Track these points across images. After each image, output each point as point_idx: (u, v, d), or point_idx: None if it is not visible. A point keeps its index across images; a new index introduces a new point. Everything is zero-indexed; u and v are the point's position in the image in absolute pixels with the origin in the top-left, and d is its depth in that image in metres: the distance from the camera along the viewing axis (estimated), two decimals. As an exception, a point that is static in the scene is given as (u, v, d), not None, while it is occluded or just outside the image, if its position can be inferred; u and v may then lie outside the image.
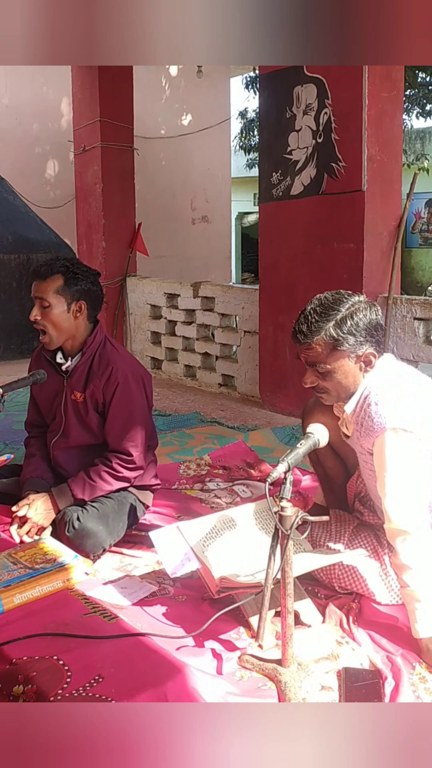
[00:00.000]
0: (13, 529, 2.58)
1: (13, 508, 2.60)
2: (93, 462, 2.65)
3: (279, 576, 1.80)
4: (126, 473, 2.63)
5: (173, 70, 9.64)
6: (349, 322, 2.00)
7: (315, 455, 2.44)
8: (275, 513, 1.79)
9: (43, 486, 2.69)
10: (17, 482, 2.79)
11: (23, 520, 2.58)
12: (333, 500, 2.52)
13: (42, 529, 2.60)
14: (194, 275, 8.39)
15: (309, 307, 2.06)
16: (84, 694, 1.69)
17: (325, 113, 4.32)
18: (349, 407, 2.12)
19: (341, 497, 2.49)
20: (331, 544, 2.27)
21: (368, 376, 2.08)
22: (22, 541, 2.55)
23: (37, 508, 2.58)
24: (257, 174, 5.07)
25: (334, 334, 2.00)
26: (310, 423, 2.07)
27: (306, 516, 1.79)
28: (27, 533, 2.57)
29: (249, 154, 13.68)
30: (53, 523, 2.60)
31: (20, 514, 2.57)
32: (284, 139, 4.64)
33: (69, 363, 2.68)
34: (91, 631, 1.93)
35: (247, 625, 2.10)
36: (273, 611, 2.05)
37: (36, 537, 2.57)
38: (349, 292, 2.09)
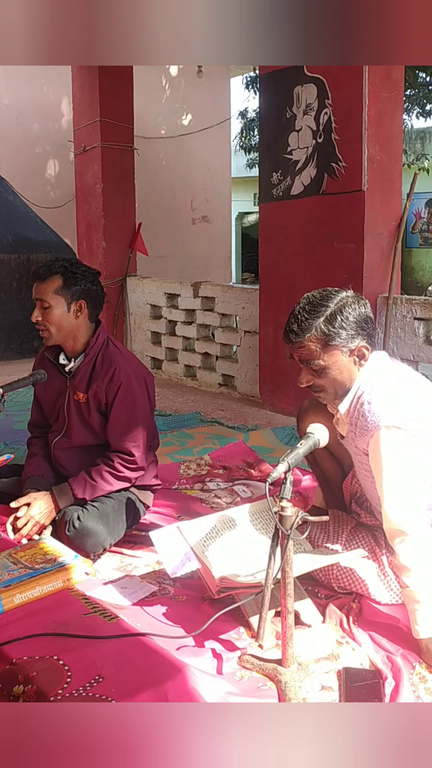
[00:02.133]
0: (10, 527, 2.58)
1: (13, 504, 2.60)
2: (94, 462, 2.66)
3: (279, 576, 1.80)
4: (127, 473, 2.63)
5: (173, 70, 9.64)
6: (339, 317, 2.00)
7: (312, 456, 2.45)
8: (275, 513, 1.78)
9: (44, 485, 2.69)
10: (17, 482, 2.79)
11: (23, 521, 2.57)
12: (332, 501, 2.52)
13: (42, 527, 2.60)
14: (194, 275, 8.39)
15: (298, 307, 2.07)
16: (84, 694, 1.69)
17: (325, 113, 4.32)
18: (342, 407, 2.11)
19: (340, 497, 2.49)
20: (329, 545, 2.27)
21: (362, 374, 2.07)
22: (21, 540, 2.54)
23: (38, 507, 2.58)
24: (257, 174, 5.07)
25: (326, 330, 2.00)
26: (304, 425, 2.07)
27: (306, 516, 1.79)
28: (27, 532, 2.57)
29: (249, 154, 13.69)
30: (53, 522, 2.60)
31: (20, 513, 2.57)
32: (284, 139, 4.64)
33: (72, 364, 2.69)
34: (91, 631, 1.93)
35: (247, 625, 2.10)
36: (273, 611, 2.04)
37: (36, 536, 2.57)
38: (336, 288, 2.10)
